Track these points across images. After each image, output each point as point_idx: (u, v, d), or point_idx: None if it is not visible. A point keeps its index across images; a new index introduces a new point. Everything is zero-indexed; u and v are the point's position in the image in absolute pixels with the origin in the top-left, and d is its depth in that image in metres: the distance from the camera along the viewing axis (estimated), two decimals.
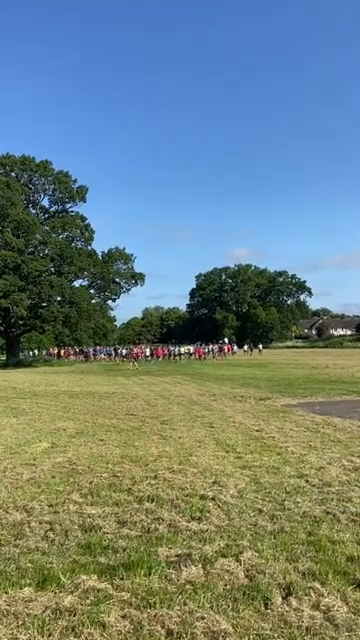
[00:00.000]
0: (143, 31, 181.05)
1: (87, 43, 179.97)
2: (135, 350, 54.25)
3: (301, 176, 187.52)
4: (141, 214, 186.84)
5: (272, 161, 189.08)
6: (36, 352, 67.14)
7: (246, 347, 65.19)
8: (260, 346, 64.28)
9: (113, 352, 60.66)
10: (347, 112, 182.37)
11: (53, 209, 54.79)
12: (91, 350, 63.22)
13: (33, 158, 51.80)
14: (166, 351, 56.68)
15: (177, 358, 52.33)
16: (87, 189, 54.12)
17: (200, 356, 51.96)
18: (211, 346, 59.48)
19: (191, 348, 56.20)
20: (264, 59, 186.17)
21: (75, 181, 53.49)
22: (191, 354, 54.17)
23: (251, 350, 63.18)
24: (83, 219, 53.44)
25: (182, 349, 55.44)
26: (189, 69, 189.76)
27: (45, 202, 54.42)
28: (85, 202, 54.40)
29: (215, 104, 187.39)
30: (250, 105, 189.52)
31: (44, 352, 66.86)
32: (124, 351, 56.46)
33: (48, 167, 51.96)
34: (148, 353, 53.23)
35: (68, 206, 54.57)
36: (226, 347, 59.32)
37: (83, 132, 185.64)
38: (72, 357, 62.03)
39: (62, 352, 64.21)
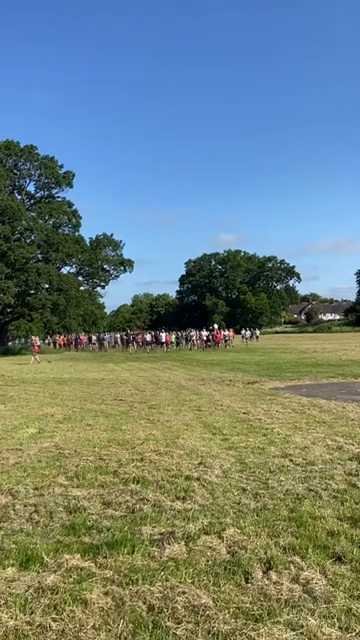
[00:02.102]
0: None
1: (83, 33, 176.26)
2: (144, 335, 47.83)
3: (285, 161, 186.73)
4: (126, 200, 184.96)
5: (255, 146, 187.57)
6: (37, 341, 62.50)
7: (248, 333, 52.90)
8: (257, 332, 56.96)
9: (125, 337, 49.87)
10: (327, 96, 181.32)
11: (39, 195, 54.21)
12: (107, 336, 54.99)
13: (18, 143, 51.09)
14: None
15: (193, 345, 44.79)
16: (74, 174, 53.64)
17: (218, 343, 43.67)
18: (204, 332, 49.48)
19: (204, 333, 47.29)
20: (257, 49, 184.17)
21: (61, 166, 52.94)
22: (205, 340, 45.73)
23: (253, 338, 51.88)
24: (70, 205, 52.99)
25: (203, 334, 46.95)
26: (171, 53, 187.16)
27: (31, 188, 53.84)
28: (72, 187, 53.91)
29: (199, 88, 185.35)
30: (233, 90, 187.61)
31: (46, 341, 60.27)
32: (147, 336, 46.35)
33: (33, 152, 51.27)
34: (164, 339, 44.51)
35: (54, 192, 54.06)
36: (231, 333, 48.68)
37: (67, 116, 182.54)
38: (80, 346, 53.10)
39: (60, 339, 57.59)
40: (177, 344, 46.58)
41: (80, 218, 53.49)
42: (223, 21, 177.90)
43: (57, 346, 57.54)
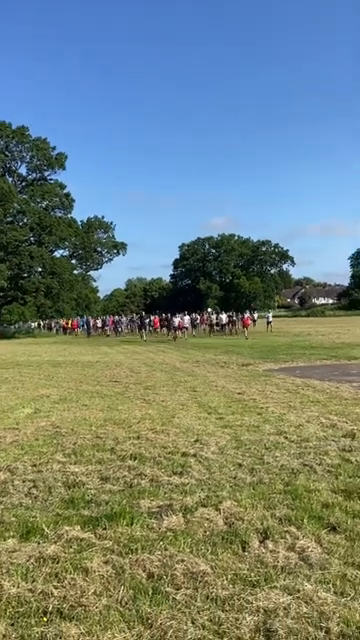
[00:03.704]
0: None
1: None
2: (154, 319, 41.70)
3: (275, 143, 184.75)
4: (116, 183, 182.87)
5: (247, 127, 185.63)
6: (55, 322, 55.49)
7: (256, 316, 44.48)
8: (270, 316, 41.64)
9: (139, 322, 41.52)
10: (319, 75, 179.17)
11: (31, 177, 53.60)
12: (124, 319, 48.85)
13: (9, 124, 50.35)
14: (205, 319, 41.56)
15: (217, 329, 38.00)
16: (66, 156, 53.00)
17: (246, 326, 34.81)
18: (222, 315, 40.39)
19: (223, 317, 39.07)
20: (257, 33, 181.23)
21: (54, 148, 52.25)
22: (223, 325, 38.23)
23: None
24: (62, 187, 52.41)
25: (222, 317, 39.21)
26: (168, 37, 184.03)
27: (23, 170, 53.20)
28: (64, 170, 53.31)
29: (192, 70, 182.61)
30: (223, 71, 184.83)
31: (54, 324, 55.58)
32: (176, 320, 35.58)
33: (25, 133, 50.56)
34: (186, 324, 35.99)
35: (47, 174, 53.41)
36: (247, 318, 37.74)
37: (58, 95, 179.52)
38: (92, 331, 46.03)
39: (67, 323, 52.03)
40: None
41: (73, 201, 53.01)
42: None
43: (63, 331, 52.40)
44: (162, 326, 40.47)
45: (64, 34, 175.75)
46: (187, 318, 36.95)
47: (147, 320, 41.30)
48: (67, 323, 53.14)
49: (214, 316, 39.52)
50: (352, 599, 3.05)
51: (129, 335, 42.88)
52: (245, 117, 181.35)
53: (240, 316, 41.03)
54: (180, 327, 34.87)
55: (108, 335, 44.02)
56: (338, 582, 3.23)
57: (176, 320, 35.08)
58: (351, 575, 3.29)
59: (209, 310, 49.29)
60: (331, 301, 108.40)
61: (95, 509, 4.45)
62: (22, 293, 49.09)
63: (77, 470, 5.55)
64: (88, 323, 47.25)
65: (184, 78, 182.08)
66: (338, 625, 2.81)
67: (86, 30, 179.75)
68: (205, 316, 42.82)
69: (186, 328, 36.04)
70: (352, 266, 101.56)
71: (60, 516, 4.31)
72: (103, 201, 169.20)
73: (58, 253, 52.72)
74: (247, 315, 38.91)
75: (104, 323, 47.72)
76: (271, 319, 40.36)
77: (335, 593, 3.12)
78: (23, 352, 26.89)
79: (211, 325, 38.44)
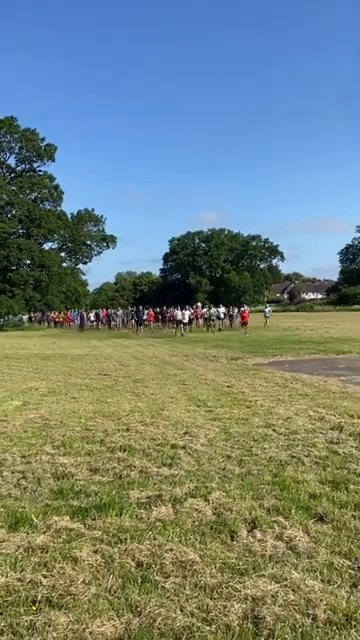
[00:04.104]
0: None
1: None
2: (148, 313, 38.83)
3: (267, 139, 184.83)
4: (107, 176, 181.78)
5: (239, 122, 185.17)
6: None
7: (268, 310, 40.42)
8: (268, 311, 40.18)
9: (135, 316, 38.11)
10: (315, 68, 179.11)
11: (20, 168, 53.21)
12: (120, 312, 45.52)
13: None
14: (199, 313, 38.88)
15: (212, 324, 35.20)
16: (55, 148, 52.65)
17: (245, 323, 32.15)
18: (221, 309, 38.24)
19: (221, 310, 36.96)
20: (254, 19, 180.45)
21: (43, 139, 51.83)
22: (222, 318, 36.26)
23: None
24: (52, 179, 52.06)
25: (220, 311, 36.87)
26: (167, 29, 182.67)
27: (11, 161, 52.83)
28: (54, 161, 52.95)
29: (189, 66, 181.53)
30: (220, 67, 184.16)
31: (45, 317, 52.76)
32: (178, 313, 33.03)
33: (14, 124, 50.08)
34: (186, 319, 33.07)
35: (36, 165, 53.02)
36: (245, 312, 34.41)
37: (49, 87, 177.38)
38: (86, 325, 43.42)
39: (59, 316, 50.14)
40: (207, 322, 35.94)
41: (62, 193, 52.69)
42: None
43: (53, 324, 50.38)
44: (157, 320, 38.32)
45: (58, 27, 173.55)
46: (187, 313, 34.11)
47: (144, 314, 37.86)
48: (58, 316, 51.46)
49: (213, 310, 36.26)
50: (339, 587, 3.10)
51: (124, 329, 40.33)
52: (239, 114, 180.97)
53: (237, 310, 38.28)
54: (178, 321, 32.27)
55: (99, 329, 42.49)
56: (325, 570, 3.27)
57: (179, 313, 32.37)
58: (338, 563, 3.34)
59: (198, 305, 44.49)
60: (320, 296, 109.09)
61: (84, 500, 4.46)
62: (10, 286, 48.80)
63: (66, 461, 5.55)
64: (82, 317, 45.10)
65: (180, 74, 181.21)
66: (325, 612, 2.85)
67: (82, 23, 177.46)
68: (202, 310, 39.04)
69: (187, 323, 33.43)
70: (341, 262, 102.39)
71: (49, 507, 4.31)
72: (93, 194, 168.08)
73: (47, 246, 52.48)
74: (246, 309, 35.77)
75: (97, 316, 45.87)
76: (269, 314, 38.19)
77: (322, 581, 3.16)
78: (11, 345, 26.72)
79: (209, 320, 35.35)
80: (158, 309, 42.76)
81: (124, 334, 34.73)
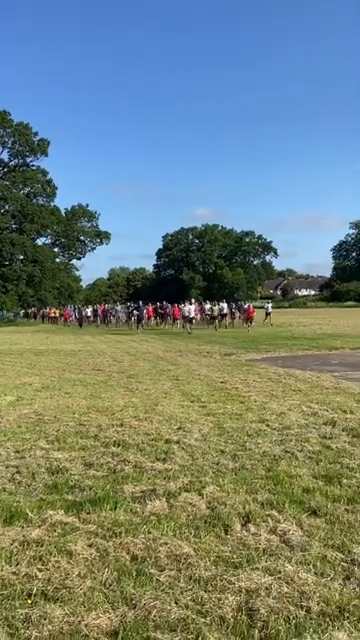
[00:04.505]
0: None
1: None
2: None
3: (261, 137, 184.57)
4: (101, 172, 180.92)
5: (234, 122, 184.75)
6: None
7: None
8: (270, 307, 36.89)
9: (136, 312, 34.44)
10: (307, 63, 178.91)
11: (13, 163, 52.78)
12: (119, 308, 42.09)
13: None
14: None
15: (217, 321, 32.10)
16: (49, 142, 52.30)
17: (249, 318, 30.21)
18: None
19: (224, 307, 33.94)
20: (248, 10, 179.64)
21: (36, 134, 51.49)
22: (224, 315, 33.38)
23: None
24: (45, 174, 51.78)
25: (223, 307, 33.83)
26: (161, 24, 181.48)
27: (4, 155, 52.40)
28: (47, 156, 52.60)
29: (183, 61, 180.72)
30: (206, 57, 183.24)
31: (40, 313, 51.04)
32: (186, 309, 30.65)
33: (7, 118, 49.70)
34: (192, 314, 30.65)
35: (29, 160, 52.65)
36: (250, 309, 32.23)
37: (41, 81, 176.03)
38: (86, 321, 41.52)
39: (54, 312, 47.86)
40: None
41: (55, 188, 52.41)
42: None
43: (49, 320, 48.56)
44: (157, 316, 36.07)
45: (48, 21, 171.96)
46: (193, 308, 31.51)
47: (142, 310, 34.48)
48: (54, 312, 49.35)
49: (217, 307, 33.21)
50: (332, 579, 3.13)
51: (124, 326, 37.19)
52: (235, 110, 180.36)
53: (242, 306, 36.13)
54: (185, 317, 29.98)
55: (98, 325, 40.75)
56: (318, 563, 3.30)
57: (186, 309, 29.93)
58: (331, 556, 3.37)
59: (191, 301, 43.21)
60: (313, 292, 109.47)
61: (79, 494, 4.47)
62: (3, 281, 48.57)
63: (60, 456, 5.56)
64: (81, 312, 43.13)
65: (174, 69, 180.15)
66: (318, 604, 2.88)
67: (77, 18, 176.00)
68: (206, 306, 35.76)
69: (193, 318, 30.80)
70: (334, 258, 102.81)
71: (44, 501, 4.32)
72: (87, 190, 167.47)
73: (40, 241, 52.23)
74: (250, 305, 34.38)
75: (95, 312, 43.65)
76: (270, 310, 35.89)
77: (315, 574, 3.19)
78: (4, 340, 26.63)
79: (213, 317, 32.36)
80: (159, 304, 40.18)
81: (123, 331, 33.54)
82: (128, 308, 38.85)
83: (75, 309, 46.37)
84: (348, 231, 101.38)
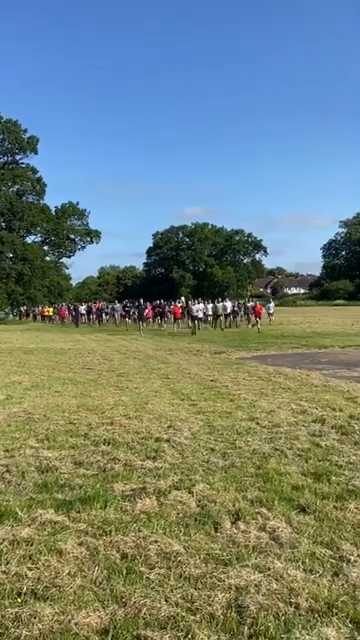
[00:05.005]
0: None
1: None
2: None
3: (252, 135, 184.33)
4: (91, 170, 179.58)
5: (222, 120, 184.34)
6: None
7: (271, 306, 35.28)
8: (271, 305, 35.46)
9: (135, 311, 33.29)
10: (297, 59, 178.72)
11: (2, 160, 52.36)
12: (117, 306, 39.43)
13: None
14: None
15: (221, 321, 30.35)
16: (38, 140, 51.96)
17: (258, 317, 28.25)
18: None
19: (228, 305, 31.52)
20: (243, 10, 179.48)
21: (25, 131, 51.11)
22: (227, 315, 31.14)
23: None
24: (34, 171, 51.43)
25: (227, 306, 31.18)
26: (148, 22, 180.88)
27: None
28: (36, 154, 52.24)
29: (174, 57, 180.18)
30: (196, 55, 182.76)
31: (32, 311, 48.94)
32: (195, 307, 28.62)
33: None
34: (201, 314, 28.88)
35: (18, 157, 52.27)
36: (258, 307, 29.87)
37: (29, 77, 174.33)
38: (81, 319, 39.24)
39: (44, 310, 45.57)
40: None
41: (45, 186, 52.10)
42: None
43: (42, 319, 46.32)
44: (155, 315, 33.51)
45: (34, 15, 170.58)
46: (202, 306, 28.95)
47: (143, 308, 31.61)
48: (47, 310, 46.79)
49: (220, 304, 30.96)
50: (320, 576, 3.16)
51: (122, 325, 35.04)
52: (224, 109, 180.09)
53: (245, 304, 33.68)
54: (193, 317, 27.55)
55: (91, 325, 38.54)
56: (307, 560, 3.33)
57: (194, 308, 27.56)
58: (320, 553, 3.41)
59: (184, 299, 39.69)
60: (303, 291, 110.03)
61: (69, 493, 4.47)
62: None
63: (50, 455, 5.54)
64: (77, 310, 40.49)
65: (163, 67, 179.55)
66: (307, 601, 2.91)
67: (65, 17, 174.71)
68: (209, 305, 32.90)
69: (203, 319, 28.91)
70: (324, 257, 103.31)
71: (34, 500, 4.31)
72: (77, 189, 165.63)
73: (30, 239, 51.90)
74: (257, 303, 31.36)
75: (89, 310, 41.06)
76: (272, 309, 34.04)
77: (304, 570, 3.22)
78: None
79: (217, 316, 30.32)
80: (159, 302, 37.67)
81: (119, 330, 31.57)
82: (125, 306, 36.58)
83: (71, 307, 43.94)
84: (338, 230, 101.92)
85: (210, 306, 32.03)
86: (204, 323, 29.02)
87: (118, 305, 40.06)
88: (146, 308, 32.23)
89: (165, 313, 33.52)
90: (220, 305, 31.09)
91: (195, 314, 27.70)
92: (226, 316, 31.10)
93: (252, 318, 29.82)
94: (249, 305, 32.15)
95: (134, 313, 33.17)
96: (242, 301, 38.12)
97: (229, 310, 31.30)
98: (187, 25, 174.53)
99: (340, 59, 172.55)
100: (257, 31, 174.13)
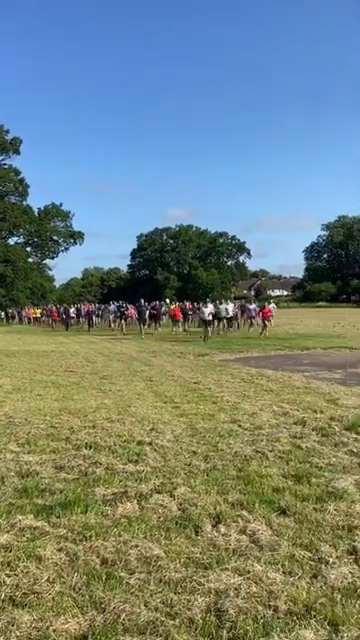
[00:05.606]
0: None
1: None
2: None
3: (234, 137, 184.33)
4: (74, 170, 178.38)
5: (206, 121, 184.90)
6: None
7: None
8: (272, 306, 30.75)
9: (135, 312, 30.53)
10: (284, 54, 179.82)
11: None
12: (112, 307, 35.60)
13: None
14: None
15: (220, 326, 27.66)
16: (21, 141, 51.57)
17: (267, 320, 25.52)
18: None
19: (230, 308, 28.47)
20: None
21: (8, 132, 50.69)
22: (230, 318, 28.12)
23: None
24: (17, 172, 51.01)
25: (228, 308, 27.89)
26: (136, 20, 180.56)
27: None
28: (19, 155, 51.83)
29: (165, 52, 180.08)
30: (184, 51, 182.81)
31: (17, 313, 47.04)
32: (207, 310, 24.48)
33: None
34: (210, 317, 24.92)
35: (0, 159, 51.78)
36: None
37: (12, 76, 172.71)
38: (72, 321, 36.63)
39: (30, 312, 43.85)
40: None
41: (28, 187, 51.71)
42: None
43: (27, 320, 44.78)
44: (151, 316, 30.33)
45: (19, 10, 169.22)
46: (209, 309, 25.08)
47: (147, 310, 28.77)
48: (34, 312, 45.08)
49: (222, 306, 27.82)
50: (299, 578, 3.18)
51: (117, 328, 32.06)
52: (207, 109, 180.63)
53: (246, 307, 31.29)
54: (205, 320, 24.39)
55: (80, 328, 35.91)
56: (287, 562, 3.35)
57: (207, 310, 24.42)
58: (299, 555, 3.43)
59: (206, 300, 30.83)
60: (286, 293, 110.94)
61: (49, 498, 4.43)
62: None
63: (31, 459, 5.49)
64: (67, 312, 37.34)
65: (147, 64, 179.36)
66: (286, 603, 2.92)
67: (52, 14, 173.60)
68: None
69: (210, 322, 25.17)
70: (306, 259, 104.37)
71: (13, 505, 4.26)
72: (60, 190, 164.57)
73: (12, 240, 51.42)
74: (266, 305, 28.34)
75: (79, 312, 38.34)
76: (274, 311, 30.48)
77: (284, 573, 3.24)
78: None
79: (218, 319, 27.30)
80: (154, 303, 34.77)
81: (114, 334, 29.39)
82: (120, 308, 33.10)
83: (61, 309, 40.55)
84: (320, 232, 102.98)
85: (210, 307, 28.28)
86: (214, 327, 26.12)
87: (112, 306, 35.90)
88: (147, 309, 29.22)
89: (160, 316, 30.86)
90: (222, 307, 27.71)
91: (207, 318, 24.33)
92: (228, 320, 28.11)
93: (257, 321, 27.35)
94: (251, 307, 29.44)
95: (132, 315, 30.75)
96: (242, 302, 35.49)
97: (231, 313, 28.25)
98: (187, 25, 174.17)
99: (340, 48, 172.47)
100: (256, 21, 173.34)
